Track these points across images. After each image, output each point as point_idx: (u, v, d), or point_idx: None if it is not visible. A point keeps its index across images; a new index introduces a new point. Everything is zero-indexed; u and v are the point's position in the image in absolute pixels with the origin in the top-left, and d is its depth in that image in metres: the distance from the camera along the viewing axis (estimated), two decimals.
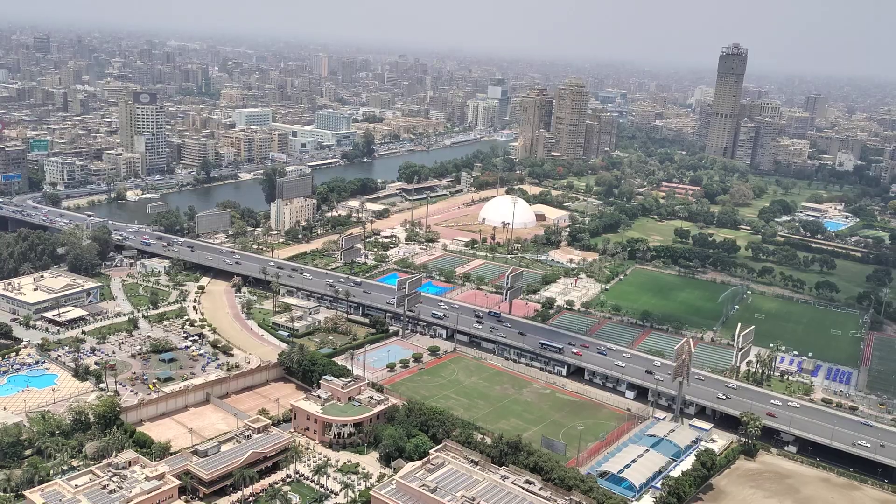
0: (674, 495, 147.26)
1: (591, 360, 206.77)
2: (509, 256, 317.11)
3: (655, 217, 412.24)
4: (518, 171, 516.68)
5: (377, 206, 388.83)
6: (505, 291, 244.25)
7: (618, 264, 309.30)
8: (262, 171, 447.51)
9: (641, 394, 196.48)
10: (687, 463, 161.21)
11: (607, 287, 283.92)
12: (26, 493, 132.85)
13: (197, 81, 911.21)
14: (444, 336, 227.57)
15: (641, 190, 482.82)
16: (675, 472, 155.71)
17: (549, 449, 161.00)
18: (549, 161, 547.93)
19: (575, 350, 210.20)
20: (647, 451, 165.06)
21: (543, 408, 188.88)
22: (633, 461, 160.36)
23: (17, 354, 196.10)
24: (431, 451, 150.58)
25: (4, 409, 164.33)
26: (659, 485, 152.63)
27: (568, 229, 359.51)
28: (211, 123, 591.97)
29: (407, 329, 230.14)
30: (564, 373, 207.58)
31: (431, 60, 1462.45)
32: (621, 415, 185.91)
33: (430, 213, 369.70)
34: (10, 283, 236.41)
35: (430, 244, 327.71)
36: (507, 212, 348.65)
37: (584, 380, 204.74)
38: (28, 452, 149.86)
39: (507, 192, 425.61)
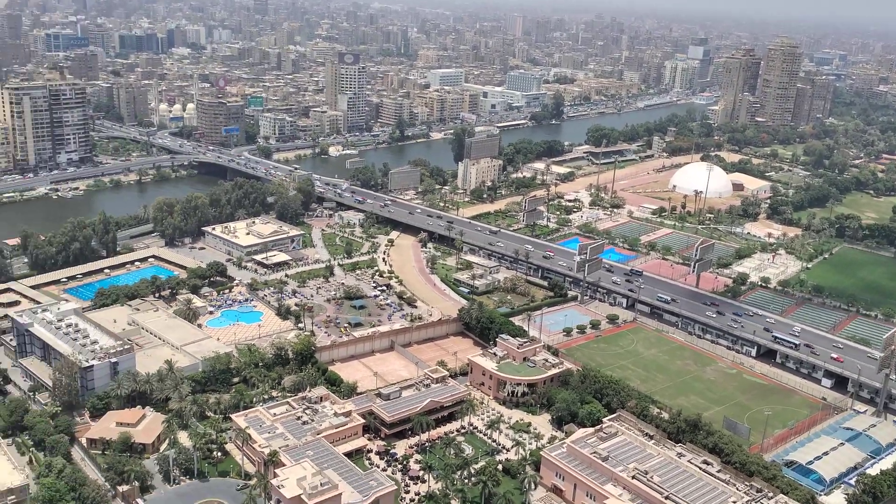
0: (869, 494, 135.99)
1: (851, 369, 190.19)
2: (700, 227, 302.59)
3: (871, 192, 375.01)
4: (716, 137, 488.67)
5: (562, 169, 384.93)
6: (693, 263, 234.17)
7: (823, 242, 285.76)
8: (451, 131, 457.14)
9: (840, 383, 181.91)
10: (888, 462, 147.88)
11: (809, 266, 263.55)
12: (233, 416, 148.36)
13: (397, 43, 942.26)
14: (625, 305, 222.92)
15: (857, 162, 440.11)
16: (873, 471, 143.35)
17: (731, 431, 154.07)
18: (752, 127, 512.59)
19: (835, 356, 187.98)
20: (842, 444, 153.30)
21: (728, 388, 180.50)
22: (825, 454, 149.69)
23: (230, 291, 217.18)
24: (605, 420, 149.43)
25: (218, 339, 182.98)
26: (853, 481, 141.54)
27: (768, 201, 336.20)
28: (407, 84, 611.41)
29: (586, 295, 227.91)
30: (754, 353, 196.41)
31: (629, 19, 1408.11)
32: (815, 403, 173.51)
33: (616, 178, 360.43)
34: (226, 227, 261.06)
35: (615, 210, 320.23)
36: (701, 179, 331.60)
37: (775, 362, 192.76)
38: (236, 380, 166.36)
39: (703, 159, 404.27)
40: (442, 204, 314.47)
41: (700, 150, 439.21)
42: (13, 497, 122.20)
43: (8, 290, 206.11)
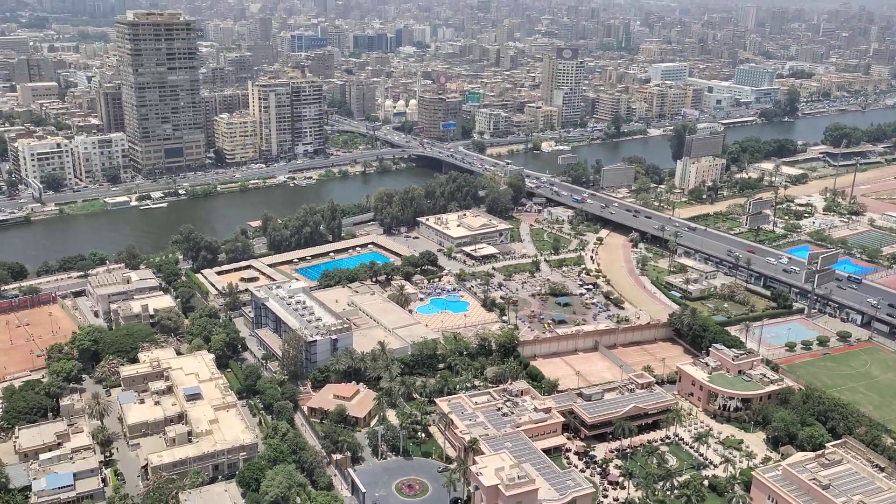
0: None
1: None
2: None
3: None
4: None
5: (794, 171, 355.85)
6: None
7: None
8: (671, 128, 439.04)
9: None
10: None
11: None
12: (437, 400, 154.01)
13: (617, 36, 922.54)
14: (859, 322, 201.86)
15: None
16: None
17: None
18: None
19: None
20: None
21: None
22: None
23: (439, 280, 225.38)
24: (828, 445, 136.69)
25: (426, 325, 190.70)
26: None
27: None
28: (626, 78, 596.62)
29: (814, 308, 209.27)
30: None
31: (881, 7, 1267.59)
32: None
33: (857, 182, 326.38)
34: (439, 218, 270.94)
35: (854, 217, 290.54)
36: None
37: None
38: (441, 366, 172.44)
39: None
40: (657, 203, 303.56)
41: None
42: (244, 453, 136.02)
43: (249, 266, 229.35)
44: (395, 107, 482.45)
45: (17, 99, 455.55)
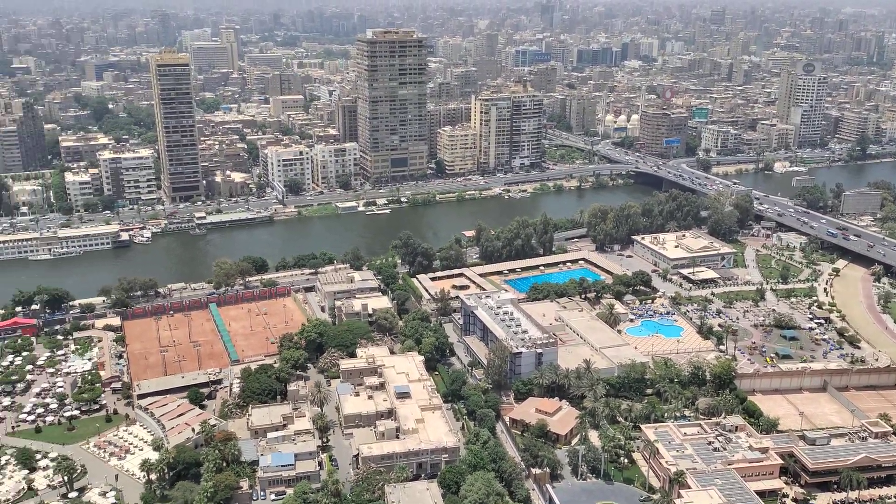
0: None
1: None
2: None
3: None
4: None
5: None
6: None
7: None
8: None
9: None
10: None
11: None
12: (643, 426, 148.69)
13: (868, 50, 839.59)
14: None
15: None
16: None
17: None
18: None
19: None
20: None
21: None
22: None
23: (651, 302, 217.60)
24: None
25: (635, 348, 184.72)
26: None
27: None
28: (876, 96, 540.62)
29: None
30: None
31: None
32: None
33: None
34: (656, 238, 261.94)
35: None
36: None
37: None
38: (649, 391, 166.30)
39: None
40: None
41: None
42: (446, 455, 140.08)
43: (461, 275, 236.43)
44: (615, 122, 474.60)
45: (269, 110, 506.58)
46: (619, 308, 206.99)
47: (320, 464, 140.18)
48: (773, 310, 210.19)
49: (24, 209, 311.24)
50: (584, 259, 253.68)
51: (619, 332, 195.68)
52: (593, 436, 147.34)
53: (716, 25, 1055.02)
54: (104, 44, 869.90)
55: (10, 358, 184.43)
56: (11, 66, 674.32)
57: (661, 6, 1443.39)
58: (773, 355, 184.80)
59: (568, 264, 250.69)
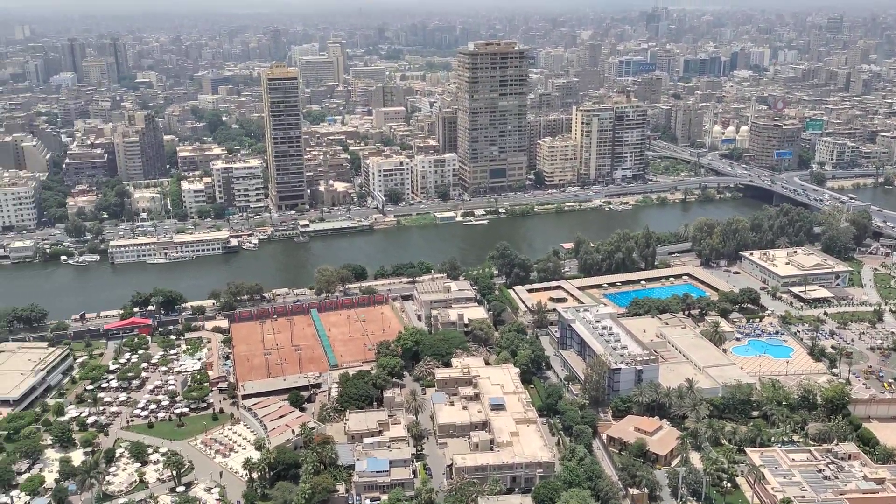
0: None
1: None
2: None
3: None
4: None
5: None
6: None
7: None
8: None
9: None
10: None
11: None
12: (748, 449, 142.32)
13: None
14: None
15: None
16: None
17: None
18: None
19: None
20: None
21: None
22: None
23: (759, 321, 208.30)
24: None
25: (741, 368, 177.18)
26: None
27: None
28: None
29: None
30: None
31: None
32: None
33: None
34: (765, 254, 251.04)
35: None
36: None
37: None
38: (755, 414, 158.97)
39: None
40: None
41: None
42: (541, 470, 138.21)
43: (559, 287, 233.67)
44: (723, 133, 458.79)
45: (372, 122, 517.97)
46: (725, 326, 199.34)
47: (414, 472, 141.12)
48: (893, 332, 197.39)
49: (144, 215, 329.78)
50: (687, 274, 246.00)
51: (725, 350, 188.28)
52: (695, 458, 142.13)
53: (832, 33, 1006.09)
54: (220, 59, 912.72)
55: (127, 355, 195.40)
56: (136, 80, 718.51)
57: (774, 14, 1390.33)
58: (891, 381, 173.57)
59: (671, 279, 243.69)
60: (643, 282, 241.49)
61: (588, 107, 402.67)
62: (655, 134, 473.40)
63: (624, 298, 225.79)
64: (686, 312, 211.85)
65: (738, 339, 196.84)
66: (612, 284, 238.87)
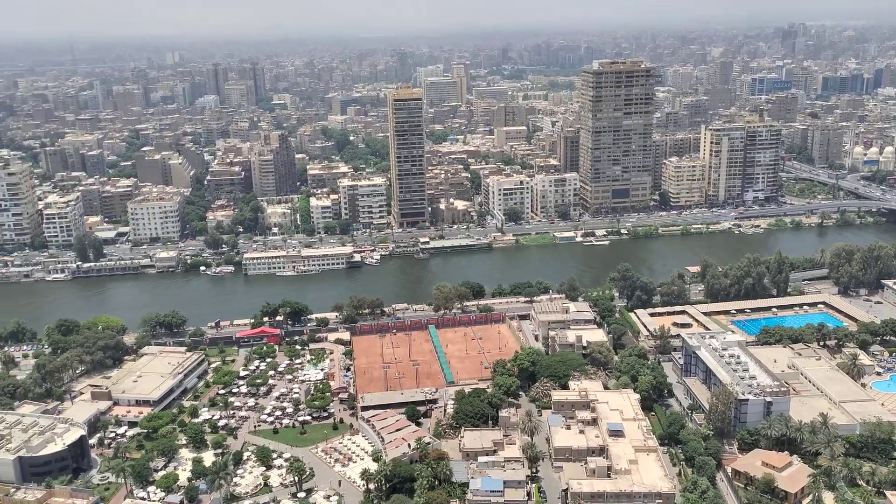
0: None
1: None
2: None
3: None
4: None
5: None
6: None
7: None
8: None
9: None
10: None
11: None
12: (888, 492, 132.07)
13: None
14: None
15: None
16: None
17: None
18: None
19: None
20: None
21: None
22: None
23: None
24: None
25: (882, 404, 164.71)
26: None
27: None
28: None
29: None
30: None
31: None
32: None
33: None
34: None
35: None
36: None
37: None
38: None
39: None
40: None
41: None
42: (661, 501, 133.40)
43: (683, 312, 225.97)
44: (865, 154, 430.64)
45: (493, 141, 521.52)
46: (865, 359, 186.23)
47: (528, 494, 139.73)
48: None
49: (275, 230, 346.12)
50: (823, 303, 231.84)
51: (864, 385, 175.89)
52: (828, 497, 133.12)
53: None
54: (349, 81, 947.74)
55: (256, 363, 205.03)
56: (272, 102, 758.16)
57: None
58: None
59: (805, 307, 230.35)
60: (774, 309, 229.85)
61: (718, 126, 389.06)
62: (790, 155, 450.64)
63: (753, 326, 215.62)
64: (821, 343, 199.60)
65: (878, 374, 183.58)
66: (741, 311, 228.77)
